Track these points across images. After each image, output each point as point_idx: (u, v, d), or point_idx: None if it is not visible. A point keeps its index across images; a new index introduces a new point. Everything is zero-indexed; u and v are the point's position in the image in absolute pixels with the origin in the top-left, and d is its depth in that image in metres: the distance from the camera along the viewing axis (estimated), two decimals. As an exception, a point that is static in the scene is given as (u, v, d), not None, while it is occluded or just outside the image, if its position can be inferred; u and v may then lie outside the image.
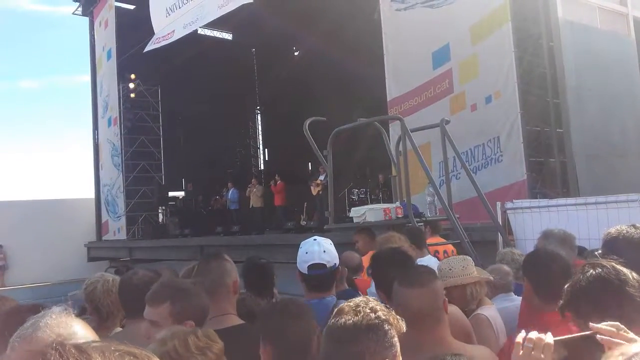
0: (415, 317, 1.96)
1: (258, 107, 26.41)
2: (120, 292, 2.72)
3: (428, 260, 3.99)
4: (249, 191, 16.85)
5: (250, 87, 25.10)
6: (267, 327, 1.98)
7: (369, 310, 1.50)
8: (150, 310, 2.15)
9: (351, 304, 1.54)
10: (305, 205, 15.65)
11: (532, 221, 5.29)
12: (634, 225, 2.35)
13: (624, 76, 9.92)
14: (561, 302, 1.70)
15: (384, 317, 1.50)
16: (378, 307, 1.52)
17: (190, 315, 2.12)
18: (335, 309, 1.57)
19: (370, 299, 1.60)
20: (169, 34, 15.31)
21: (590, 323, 1.46)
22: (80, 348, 0.76)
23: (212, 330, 1.86)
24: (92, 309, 2.81)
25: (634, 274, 1.63)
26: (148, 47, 16.13)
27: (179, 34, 14.95)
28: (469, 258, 3.01)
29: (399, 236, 4.08)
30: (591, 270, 1.65)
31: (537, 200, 6.42)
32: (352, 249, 4.78)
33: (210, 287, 2.47)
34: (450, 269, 2.89)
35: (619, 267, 1.65)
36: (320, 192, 14.12)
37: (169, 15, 15.45)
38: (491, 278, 3.07)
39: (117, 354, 0.77)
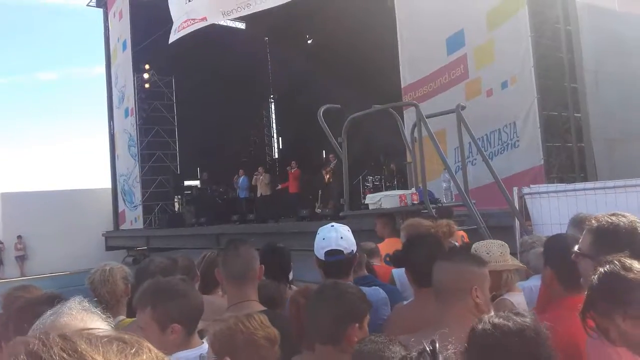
0: (440, 290, 2.11)
1: (272, 96, 26.39)
2: (137, 280, 2.75)
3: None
4: (255, 179, 16.94)
5: (264, 75, 25.08)
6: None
7: None
8: (137, 315, 2.15)
9: None
10: (319, 192, 15.66)
11: (550, 206, 5.22)
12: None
13: (642, 59, 9.75)
14: (581, 308, 1.73)
15: None
16: None
17: (176, 317, 2.08)
18: None
19: None
20: (201, 18, 14.23)
21: None
22: (64, 336, 0.74)
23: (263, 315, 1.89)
24: (97, 299, 2.84)
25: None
26: (173, 37, 15.04)
27: (214, 19, 14.11)
28: (506, 244, 3.00)
29: (425, 221, 4.06)
30: (600, 269, 1.71)
31: (555, 185, 6.36)
32: (370, 234, 4.76)
33: (240, 271, 2.50)
34: (488, 253, 2.87)
35: (623, 259, 1.71)
36: (331, 180, 14.13)
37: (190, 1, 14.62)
38: (525, 267, 3.10)
39: (105, 339, 0.76)
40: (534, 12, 9.13)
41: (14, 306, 2.16)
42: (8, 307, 2.32)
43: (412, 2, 11.08)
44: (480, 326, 1.51)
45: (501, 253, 2.89)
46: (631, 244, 1.89)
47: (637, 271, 1.65)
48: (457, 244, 3.88)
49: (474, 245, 3.01)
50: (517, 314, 1.56)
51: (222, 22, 14.77)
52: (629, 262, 1.69)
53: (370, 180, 13.96)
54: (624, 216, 2.06)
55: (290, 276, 3.83)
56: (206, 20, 13.88)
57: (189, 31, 14.23)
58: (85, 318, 1.23)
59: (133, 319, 2.72)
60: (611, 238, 2.00)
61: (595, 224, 2.08)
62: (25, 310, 1.91)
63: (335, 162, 13.65)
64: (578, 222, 3.46)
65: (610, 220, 2.05)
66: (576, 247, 2.13)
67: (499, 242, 3.03)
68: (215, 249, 3.24)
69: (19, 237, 22.01)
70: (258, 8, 13.12)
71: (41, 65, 59.45)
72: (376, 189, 12.64)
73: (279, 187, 16.90)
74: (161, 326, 2.07)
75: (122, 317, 2.78)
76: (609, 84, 9.00)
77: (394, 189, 11.72)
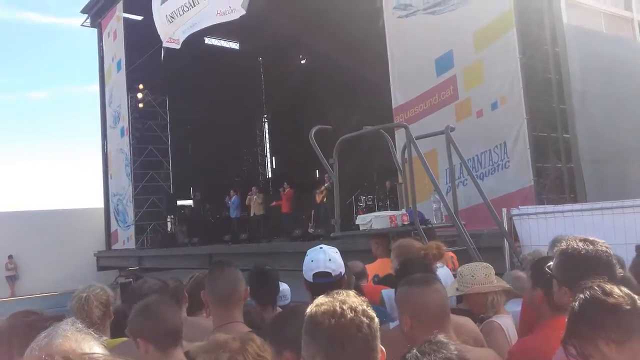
0: (430, 315, 2.09)
1: (265, 115, 26.49)
2: (127, 300, 2.78)
3: (444, 271, 3.94)
4: (248, 199, 16.95)
5: (257, 95, 25.20)
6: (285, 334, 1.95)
7: None
8: None
9: None
10: (313, 212, 15.68)
11: (538, 227, 5.28)
12: None
13: (630, 80, 9.88)
14: (563, 335, 1.74)
15: None
16: None
17: (138, 333, 2.23)
18: None
19: None
20: (175, 40, 15.63)
21: None
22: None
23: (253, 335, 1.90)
24: None
25: (621, 288, 1.70)
26: (163, 47, 16.55)
27: (181, 38, 15.31)
28: (490, 266, 3.01)
29: (416, 242, 4.08)
30: (580, 295, 1.72)
31: (543, 206, 6.41)
32: (362, 255, 4.77)
33: (226, 293, 2.53)
34: (472, 276, 2.89)
35: (603, 284, 1.72)
36: (325, 200, 14.16)
37: (171, 22, 15.75)
38: (510, 287, 3.08)
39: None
40: (522, 34, 9.26)
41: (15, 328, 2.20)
42: (10, 330, 2.35)
43: (402, 23, 11.20)
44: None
45: (486, 275, 2.90)
46: (592, 271, 1.91)
47: (618, 295, 1.66)
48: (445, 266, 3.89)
49: (458, 269, 3.04)
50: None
51: (213, 42, 15.77)
52: (608, 287, 1.70)
53: (363, 200, 14.01)
54: (592, 243, 2.09)
55: (288, 300, 3.80)
56: (178, 43, 15.57)
57: (172, 47, 15.83)
58: (79, 339, 1.26)
59: (120, 339, 2.74)
60: (572, 264, 2.06)
61: (563, 247, 2.13)
62: (28, 330, 1.93)
63: (330, 181, 13.70)
64: (556, 244, 3.54)
65: (575, 246, 2.09)
66: (548, 265, 2.18)
67: (484, 264, 3.05)
68: (207, 269, 3.24)
69: (10, 256, 21.83)
70: (196, 28, 14.99)
71: (33, 85, 59.45)
72: (369, 209, 12.68)
73: (273, 204, 16.90)
74: (133, 339, 2.25)
75: (104, 337, 2.79)
76: (597, 105, 9.11)
77: (387, 209, 11.76)
